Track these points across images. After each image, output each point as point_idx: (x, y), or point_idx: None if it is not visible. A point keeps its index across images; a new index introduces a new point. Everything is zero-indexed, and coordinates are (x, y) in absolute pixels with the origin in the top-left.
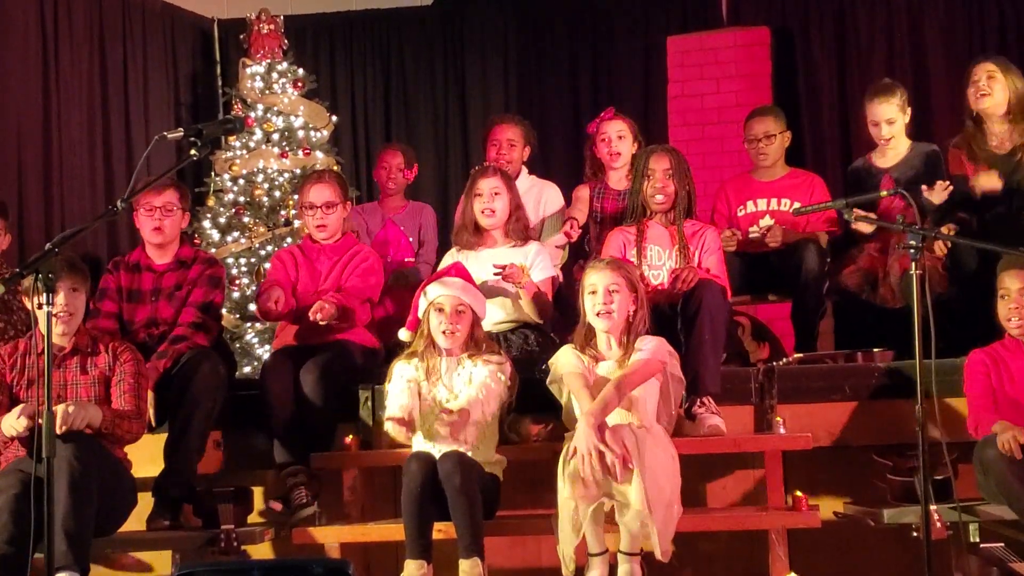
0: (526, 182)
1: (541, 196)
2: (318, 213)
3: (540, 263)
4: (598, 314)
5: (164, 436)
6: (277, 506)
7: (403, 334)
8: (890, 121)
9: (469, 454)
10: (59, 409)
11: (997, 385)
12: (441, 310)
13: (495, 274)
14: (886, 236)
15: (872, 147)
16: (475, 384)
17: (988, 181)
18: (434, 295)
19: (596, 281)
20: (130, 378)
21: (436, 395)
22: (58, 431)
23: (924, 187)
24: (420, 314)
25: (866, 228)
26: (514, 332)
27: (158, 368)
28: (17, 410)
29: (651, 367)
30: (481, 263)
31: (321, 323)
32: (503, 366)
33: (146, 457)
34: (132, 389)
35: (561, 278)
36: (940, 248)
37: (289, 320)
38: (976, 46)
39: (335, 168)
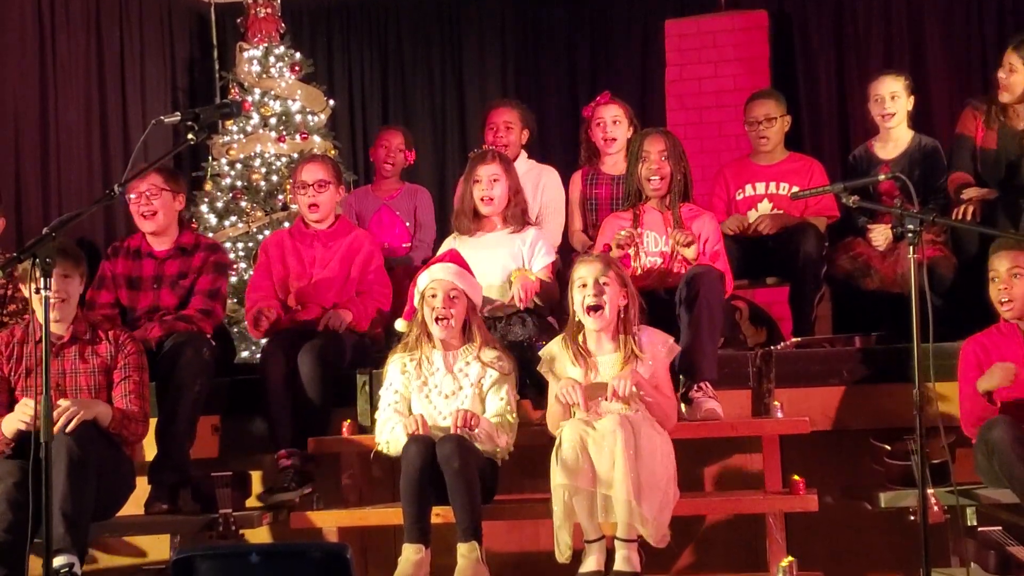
0: (524, 166)
1: (539, 181)
2: (310, 192)
3: (540, 251)
4: (588, 308)
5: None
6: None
7: (399, 324)
8: (894, 96)
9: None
10: (63, 411)
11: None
12: (434, 297)
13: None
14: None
15: (873, 132)
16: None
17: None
18: (426, 283)
19: (585, 274)
20: (135, 375)
21: (433, 387)
22: (56, 429)
23: (869, 226)
24: (416, 303)
25: (880, 244)
26: (512, 317)
27: (149, 337)
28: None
29: (664, 378)
30: (481, 247)
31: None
32: (503, 366)
33: (143, 442)
34: (137, 389)
35: (559, 262)
36: (885, 237)
37: (283, 319)
38: (975, 32)
39: (332, 153)
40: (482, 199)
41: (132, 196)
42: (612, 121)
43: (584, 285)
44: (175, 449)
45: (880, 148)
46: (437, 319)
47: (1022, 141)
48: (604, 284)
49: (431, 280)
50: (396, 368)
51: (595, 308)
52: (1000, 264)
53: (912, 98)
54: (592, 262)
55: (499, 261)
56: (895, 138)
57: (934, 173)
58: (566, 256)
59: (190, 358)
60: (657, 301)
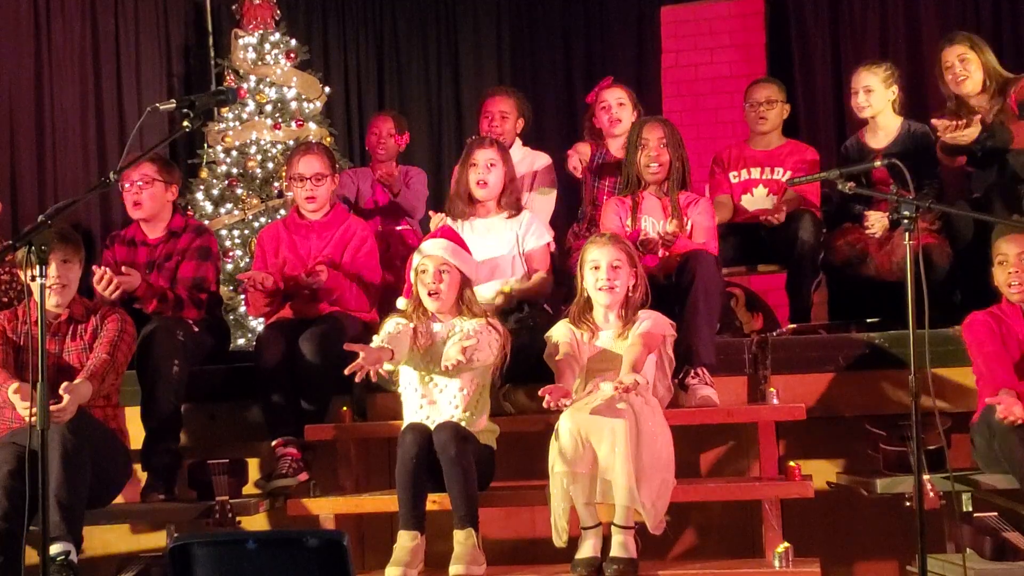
0: (519, 153)
1: (531, 166)
2: (307, 185)
3: (534, 231)
4: (601, 289)
5: None
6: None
7: (401, 302)
8: (868, 90)
9: (463, 423)
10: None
11: None
12: (425, 271)
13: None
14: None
15: (864, 123)
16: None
17: (971, 132)
18: (418, 259)
19: (599, 256)
20: (111, 333)
21: (430, 359)
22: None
23: (866, 213)
24: (412, 280)
25: (877, 231)
26: (511, 308)
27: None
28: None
29: (655, 340)
30: (472, 232)
31: (309, 284)
32: (494, 323)
33: (140, 429)
34: (110, 341)
35: (555, 247)
36: (881, 224)
37: (276, 303)
38: (970, 18)
39: (328, 140)
40: (478, 183)
41: (126, 185)
42: (617, 104)
43: (597, 267)
44: (161, 432)
45: (871, 138)
46: (429, 293)
47: (997, 131)
48: (617, 267)
49: (422, 256)
50: (395, 317)
51: (608, 288)
52: (1009, 248)
53: (895, 87)
54: (604, 244)
55: (490, 246)
56: (883, 126)
57: (925, 158)
58: (562, 247)
59: (162, 341)
60: (656, 287)
